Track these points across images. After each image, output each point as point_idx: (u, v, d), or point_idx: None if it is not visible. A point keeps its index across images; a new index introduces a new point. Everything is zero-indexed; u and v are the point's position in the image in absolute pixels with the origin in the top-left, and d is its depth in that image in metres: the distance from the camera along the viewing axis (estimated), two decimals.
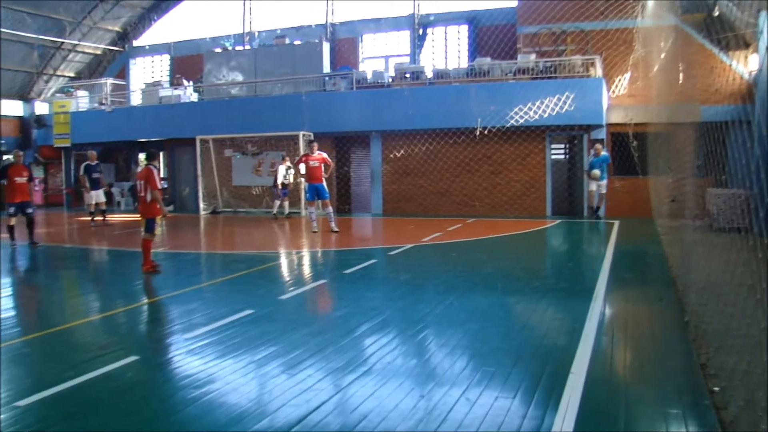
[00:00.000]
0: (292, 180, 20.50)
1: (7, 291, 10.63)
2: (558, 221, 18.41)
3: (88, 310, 9.25)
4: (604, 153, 18.16)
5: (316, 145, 16.87)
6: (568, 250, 14.77)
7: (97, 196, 19.39)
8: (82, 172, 19.47)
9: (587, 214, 19.13)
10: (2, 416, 4.99)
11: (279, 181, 20.19)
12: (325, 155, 16.80)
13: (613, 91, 20.34)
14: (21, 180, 14.86)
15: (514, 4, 22.23)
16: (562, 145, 21.25)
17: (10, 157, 15.80)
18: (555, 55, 20.64)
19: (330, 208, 16.78)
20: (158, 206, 11.17)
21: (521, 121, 19.27)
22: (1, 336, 7.30)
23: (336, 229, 16.52)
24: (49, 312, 9.37)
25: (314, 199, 16.73)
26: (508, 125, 19.40)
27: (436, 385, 5.39)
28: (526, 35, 21.38)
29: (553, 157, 20.64)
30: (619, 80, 20.29)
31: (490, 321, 7.67)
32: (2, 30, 24.89)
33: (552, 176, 20.30)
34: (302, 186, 20.58)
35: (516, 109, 19.27)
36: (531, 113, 19.13)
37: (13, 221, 14.87)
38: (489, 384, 5.38)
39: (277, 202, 20.63)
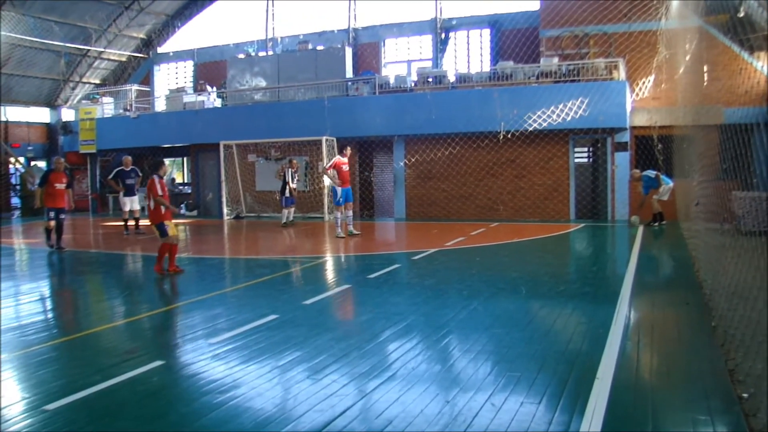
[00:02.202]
0: (295, 186, 20.14)
1: (35, 295, 10.76)
2: (582, 225, 18.30)
3: (114, 315, 9.35)
4: (644, 174, 17.75)
5: (349, 150, 17.14)
6: (592, 254, 14.68)
7: (132, 203, 18.79)
8: (111, 176, 19.01)
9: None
10: (31, 420, 5.07)
11: (293, 187, 19.83)
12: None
13: (637, 94, 20.20)
14: (60, 186, 15.20)
15: (537, 7, 22.15)
16: (586, 149, 21.12)
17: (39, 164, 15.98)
18: (578, 58, 20.54)
19: (351, 211, 16.85)
20: (163, 210, 11.52)
21: (544, 124, 19.18)
22: (30, 340, 7.40)
23: (356, 231, 16.56)
24: (76, 316, 9.48)
25: (345, 203, 16.73)
26: (531, 129, 19.32)
27: (461, 391, 5.38)
28: (549, 38, 21.30)
29: (577, 160, 20.53)
30: (643, 83, 20.15)
31: (515, 326, 7.65)
32: (32, 39, 25.22)
33: (575, 180, 20.19)
34: (325, 191, 20.60)
35: (539, 113, 19.19)
36: (554, 117, 19.04)
37: (52, 224, 15.16)
38: (514, 389, 5.37)
39: (285, 211, 20.17)
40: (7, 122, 28.56)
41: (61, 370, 6.51)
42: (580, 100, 18.73)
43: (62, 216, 15.33)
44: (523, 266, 12.30)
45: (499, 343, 6.84)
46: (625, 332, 7.04)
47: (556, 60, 20.35)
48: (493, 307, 8.66)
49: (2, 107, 28.33)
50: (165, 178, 11.96)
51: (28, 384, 6.07)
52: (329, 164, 17.06)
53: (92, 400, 5.46)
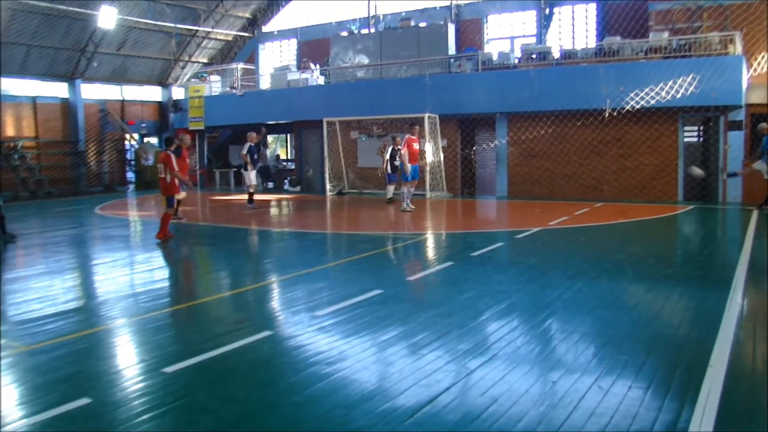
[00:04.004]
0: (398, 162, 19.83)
1: (151, 265, 11.28)
2: (691, 207, 17.64)
3: (223, 286, 9.72)
4: None
5: (417, 128, 18.36)
6: (703, 238, 14.17)
7: (253, 177, 19.36)
8: (245, 151, 19.06)
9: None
10: (151, 381, 5.38)
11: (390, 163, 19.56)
12: None
13: (755, 69, 19.21)
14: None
15: None
16: (696, 127, 20.30)
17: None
18: (690, 32, 19.68)
19: (412, 188, 18.11)
20: (177, 185, 13.13)
21: (652, 102, 18.51)
22: (147, 306, 7.79)
23: (411, 207, 17.62)
24: (189, 286, 9.90)
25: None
26: (638, 106, 18.71)
27: (566, 372, 5.35)
28: (659, 12, 20.49)
29: (686, 139, 19.75)
30: (762, 57, 19.14)
31: (621, 308, 7.52)
32: (146, 21, 26.22)
33: (684, 160, 19.43)
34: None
35: (647, 90, 18.53)
36: (663, 94, 18.36)
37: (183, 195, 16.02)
38: (621, 373, 5.29)
39: (391, 188, 19.96)
40: (123, 101, 29.85)
41: (177, 336, 6.85)
42: (691, 76, 17.97)
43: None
44: (628, 248, 12.00)
45: (604, 325, 6.74)
46: (739, 320, 6.79)
47: (666, 35, 19.58)
48: (598, 288, 8.52)
49: (120, 86, 29.63)
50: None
51: (147, 347, 6.42)
52: (403, 143, 17.73)
53: (207, 366, 5.74)
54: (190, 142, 16.37)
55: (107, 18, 24.31)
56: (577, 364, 5.55)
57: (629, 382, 5.10)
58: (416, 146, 17.68)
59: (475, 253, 10.97)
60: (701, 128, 20.17)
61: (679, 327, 6.71)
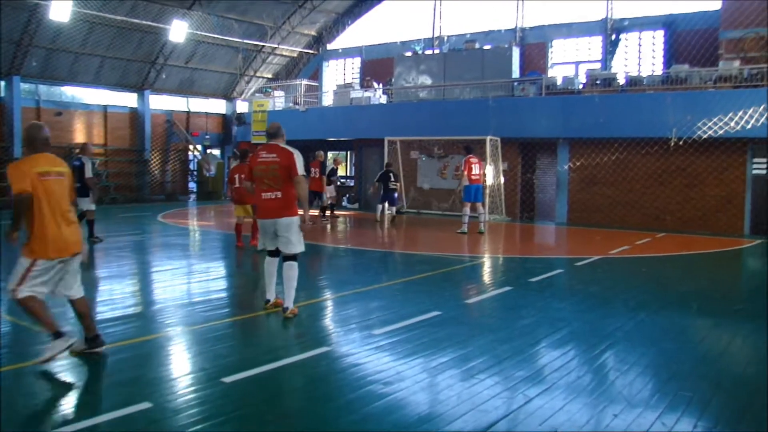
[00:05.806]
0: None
1: (212, 274, 11.43)
2: (758, 241, 17.13)
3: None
4: None
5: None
6: None
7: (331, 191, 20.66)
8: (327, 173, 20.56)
9: None
10: (210, 390, 5.44)
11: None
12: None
13: None
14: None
15: (718, 6, 20.96)
16: (766, 160, 19.76)
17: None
18: (763, 61, 19.23)
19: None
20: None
21: (720, 132, 18.10)
22: (207, 316, 7.89)
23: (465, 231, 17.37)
24: (248, 297, 9.96)
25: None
26: (705, 136, 18.32)
27: (628, 405, 5.22)
28: (730, 40, 20.07)
29: (755, 171, 19.23)
30: None
31: (686, 343, 7.33)
32: (214, 36, 26.85)
33: (752, 192, 18.93)
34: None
35: (715, 120, 18.13)
36: (732, 124, 17.92)
37: (327, 203, 19.78)
38: (686, 410, 5.14)
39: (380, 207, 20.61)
40: (188, 112, 30.55)
41: (235, 347, 6.93)
42: (762, 107, 17.52)
43: (323, 199, 18.72)
44: (693, 281, 11.71)
45: (668, 359, 6.58)
46: None
47: (737, 63, 19.17)
48: (661, 320, 8.31)
49: (186, 98, 30.34)
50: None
51: (207, 356, 6.50)
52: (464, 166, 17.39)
53: (265, 378, 5.80)
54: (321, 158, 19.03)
55: (178, 32, 25.06)
56: (640, 398, 5.42)
57: (694, 419, 4.97)
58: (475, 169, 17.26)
59: (534, 279, 10.85)
60: None
61: (748, 365, 6.52)
